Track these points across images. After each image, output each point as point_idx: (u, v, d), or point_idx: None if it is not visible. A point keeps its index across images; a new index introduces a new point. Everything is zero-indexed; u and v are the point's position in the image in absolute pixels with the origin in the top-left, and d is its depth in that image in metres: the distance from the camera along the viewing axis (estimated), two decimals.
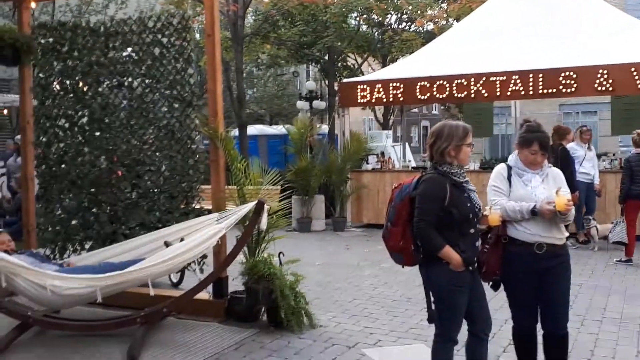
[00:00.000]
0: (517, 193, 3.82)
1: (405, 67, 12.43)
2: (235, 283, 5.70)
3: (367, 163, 12.51)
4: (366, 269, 8.07)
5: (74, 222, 6.19)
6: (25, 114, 6.56)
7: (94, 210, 6.15)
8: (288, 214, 6.70)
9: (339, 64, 21.65)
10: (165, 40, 5.92)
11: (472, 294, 3.63)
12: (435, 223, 3.50)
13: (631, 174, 7.98)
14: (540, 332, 3.93)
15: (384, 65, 20.39)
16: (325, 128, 21.04)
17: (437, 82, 10.78)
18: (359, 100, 11.75)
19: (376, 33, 21.40)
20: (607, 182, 9.75)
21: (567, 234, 3.92)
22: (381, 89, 11.31)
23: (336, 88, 15.95)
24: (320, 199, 11.89)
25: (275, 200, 6.55)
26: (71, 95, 6.22)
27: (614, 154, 12.67)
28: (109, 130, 6.09)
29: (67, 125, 6.24)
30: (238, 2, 15.35)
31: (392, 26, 20.94)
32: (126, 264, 4.97)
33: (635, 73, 9.36)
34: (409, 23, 20.88)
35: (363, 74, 19.05)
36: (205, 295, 5.59)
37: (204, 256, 5.58)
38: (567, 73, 9.74)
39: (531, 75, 9.98)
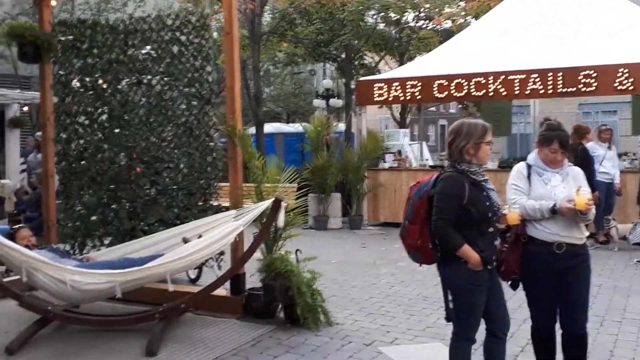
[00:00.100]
0: (536, 192, 3.79)
1: (423, 65, 12.37)
2: (253, 280, 5.72)
3: (384, 162, 12.48)
4: (383, 267, 8.05)
5: (93, 218, 6.24)
6: (46, 111, 6.64)
7: (113, 206, 6.20)
8: (305, 211, 6.71)
9: (356, 62, 21.61)
10: (183, 38, 5.95)
11: (491, 293, 3.61)
12: (454, 222, 3.49)
13: None
14: (559, 332, 3.90)
15: (401, 63, 20.31)
16: (342, 126, 21.04)
17: (455, 81, 10.69)
18: (375, 99, 11.69)
19: (393, 31, 21.33)
20: (628, 182, 9.64)
21: (587, 234, 3.88)
22: (398, 88, 11.25)
23: (353, 86, 15.93)
24: (337, 197, 11.90)
25: (292, 198, 6.56)
26: (91, 92, 6.27)
27: (634, 154, 12.53)
28: (128, 128, 6.13)
29: (87, 122, 6.29)
30: (255, 1, 15.39)
31: (410, 24, 20.86)
32: (145, 260, 5.02)
33: None
34: (426, 21, 20.79)
35: (380, 73, 19.00)
36: (222, 291, 5.62)
37: (222, 253, 5.60)
38: (587, 72, 9.61)
39: (550, 74, 9.87)
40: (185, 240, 5.21)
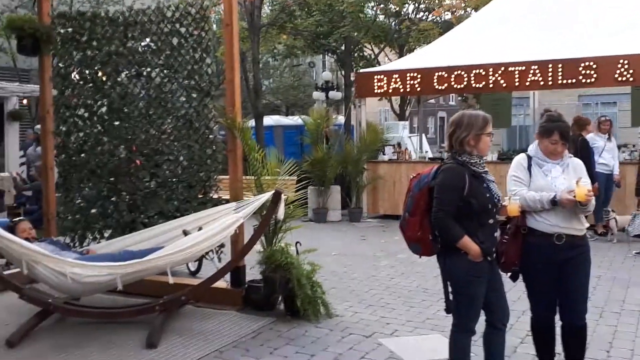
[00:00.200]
0: (537, 183, 3.80)
1: (423, 57, 12.34)
2: (253, 272, 5.73)
3: (384, 154, 12.47)
4: (382, 259, 8.06)
5: (93, 210, 6.24)
6: (45, 104, 6.62)
7: (113, 199, 6.20)
8: (304, 204, 6.71)
9: (356, 55, 21.56)
10: (183, 30, 5.93)
11: (490, 285, 3.61)
12: (454, 213, 3.49)
13: None
14: (558, 324, 3.91)
15: (400, 55, 20.28)
16: (341, 119, 21.01)
17: (455, 72, 10.68)
18: (375, 91, 11.67)
19: (393, 23, 21.28)
20: (627, 174, 9.63)
21: (587, 225, 3.89)
22: (398, 79, 11.23)
23: (352, 78, 15.89)
24: (337, 190, 11.90)
25: (292, 191, 6.57)
26: (90, 84, 6.25)
27: (633, 145, 12.51)
28: (127, 120, 6.13)
29: (86, 114, 6.28)
30: None
31: (410, 16, 20.81)
32: (145, 252, 5.02)
33: None
34: (426, 13, 20.74)
35: (379, 65, 18.97)
36: (223, 283, 5.63)
37: (222, 245, 5.61)
38: (587, 63, 9.60)
39: (550, 65, 9.86)
40: (186, 233, 5.21)
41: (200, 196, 5.90)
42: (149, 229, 5.65)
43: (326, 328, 5.18)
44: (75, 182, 6.33)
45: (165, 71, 6.02)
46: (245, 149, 5.85)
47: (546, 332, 3.96)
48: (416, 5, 20.32)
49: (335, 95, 22.09)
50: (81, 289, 4.93)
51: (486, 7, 13.04)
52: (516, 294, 4.91)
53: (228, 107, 5.75)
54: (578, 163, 3.90)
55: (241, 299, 5.66)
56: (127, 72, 6.19)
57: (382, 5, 20.09)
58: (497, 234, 3.67)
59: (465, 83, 10.67)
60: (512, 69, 10.18)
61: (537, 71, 9.98)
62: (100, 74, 6.23)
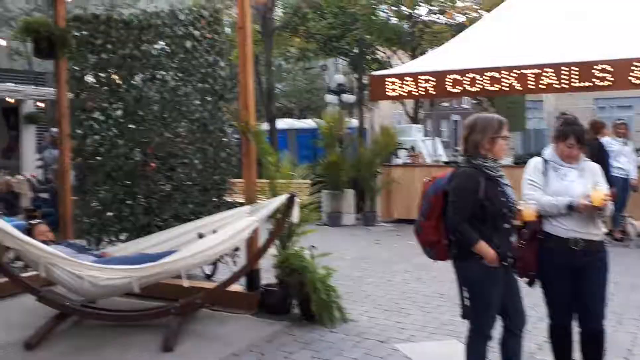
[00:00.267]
0: (553, 187, 3.76)
1: (436, 59, 12.29)
2: (267, 276, 5.73)
3: (397, 157, 12.42)
4: (397, 264, 8.03)
5: (109, 213, 6.27)
6: (61, 107, 6.67)
7: (128, 202, 6.23)
8: (318, 207, 6.70)
9: (368, 57, 21.54)
10: (197, 33, 5.96)
11: (507, 290, 3.59)
12: (469, 217, 3.47)
13: None
14: (576, 330, 3.87)
15: (413, 58, 20.23)
16: (354, 122, 20.99)
17: (469, 75, 10.61)
18: (389, 94, 11.63)
19: (406, 25, 21.23)
20: None
21: (604, 230, 3.84)
22: (412, 83, 11.17)
23: (365, 81, 15.86)
24: (351, 193, 11.86)
25: (306, 194, 6.57)
26: (106, 87, 6.29)
27: None
28: (142, 123, 6.15)
29: (102, 117, 6.31)
30: None
31: (422, 18, 20.75)
32: (161, 255, 5.03)
33: None
34: (439, 15, 20.67)
35: (392, 67, 18.92)
36: (238, 287, 5.64)
37: (237, 248, 5.61)
38: (602, 66, 9.50)
39: (565, 68, 9.78)
40: (201, 236, 5.22)
41: (214, 199, 5.92)
42: (165, 232, 5.68)
43: (341, 332, 5.16)
44: (91, 185, 6.36)
45: (179, 74, 6.05)
46: (259, 152, 5.85)
47: (564, 338, 3.92)
48: (429, 7, 20.26)
49: (348, 98, 22.05)
50: (98, 291, 4.94)
51: (498, 9, 12.94)
52: (533, 300, 4.85)
53: (242, 110, 5.76)
54: (595, 167, 3.86)
55: (256, 302, 5.65)
56: (141, 75, 6.21)
57: (394, 8, 20.05)
58: (513, 238, 3.65)
59: (479, 86, 10.59)
60: (526, 71, 10.10)
61: (552, 74, 9.89)
62: (115, 77, 6.27)
